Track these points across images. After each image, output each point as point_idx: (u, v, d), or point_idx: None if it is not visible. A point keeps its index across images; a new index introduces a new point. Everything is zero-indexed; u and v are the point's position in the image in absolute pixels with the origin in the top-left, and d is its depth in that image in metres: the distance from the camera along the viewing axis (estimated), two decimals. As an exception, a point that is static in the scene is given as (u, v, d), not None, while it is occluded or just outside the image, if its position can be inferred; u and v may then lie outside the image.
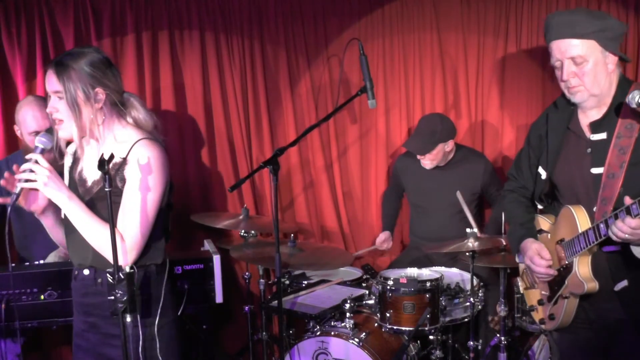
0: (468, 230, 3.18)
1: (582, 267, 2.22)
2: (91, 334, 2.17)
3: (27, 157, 1.98)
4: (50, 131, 2.10)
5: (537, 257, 2.37)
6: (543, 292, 2.48)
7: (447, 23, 3.99)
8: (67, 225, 2.14)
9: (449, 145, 3.67)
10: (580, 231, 2.19)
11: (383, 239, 3.97)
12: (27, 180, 1.95)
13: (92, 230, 2.03)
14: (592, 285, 2.21)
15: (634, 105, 2.06)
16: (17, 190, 1.96)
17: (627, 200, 1.99)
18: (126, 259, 2.04)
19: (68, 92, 2.03)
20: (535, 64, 3.84)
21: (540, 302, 2.51)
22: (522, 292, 2.72)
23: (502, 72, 3.95)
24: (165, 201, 2.15)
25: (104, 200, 2.05)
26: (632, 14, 3.62)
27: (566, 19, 2.20)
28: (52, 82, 2.06)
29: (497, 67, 3.96)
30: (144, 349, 2.08)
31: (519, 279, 2.72)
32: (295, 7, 4.01)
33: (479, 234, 3.27)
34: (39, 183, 1.95)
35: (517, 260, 2.58)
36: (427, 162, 3.68)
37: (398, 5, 4.03)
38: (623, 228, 1.98)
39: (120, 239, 2.03)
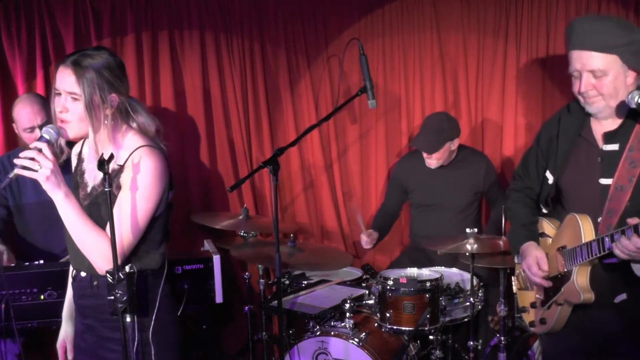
0: (468, 230, 3.18)
1: (581, 277, 2.21)
2: (88, 336, 2.16)
3: (32, 145, 1.91)
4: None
5: (535, 266, 2.37)
6: (537, 296, 2.47)
7: (447, 23, 3.99)
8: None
9: (455, 144, 3.68)
10: (583, 241, 2.17)
11: (372, 236, 3.76)
12: (24, 168, 1.87)
13: (82, 232, 1.99)
14: (589, 296, 2.20)
15: (633, 105, 2.05)
16: (11, 175, 1.88)
17: (634, 220, 1.96)
18: (108, 265, 1.99)
19: (87, 96, 1.98)
20: (535, 64, 3.84)
21: (532, 305, 2.50)
22: (515, 291, 2.71)
23: (502, 72, 3.95)
24: (161, 209, 2.12)
25: (101, 206, 2.04)
26: (632, 14, 3.62)
27: (592, 28, 2.12)
28: (68, 82, 2.00)
29: (497, 67, 3.96)
30: (140, 354, 2.07)
31: (513, 279, 2.72)
32: (295, 7, 4.01)
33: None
34: (40, 175, 1.88)
35: (515, 260, 2.57)
36: (434, 161, 3.68)
37: (398, 5, 4.03)
38: (629, 246, 1.96)
39: (108, 246, 1.98)
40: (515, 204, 2.58)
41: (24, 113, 3.14)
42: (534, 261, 2.37)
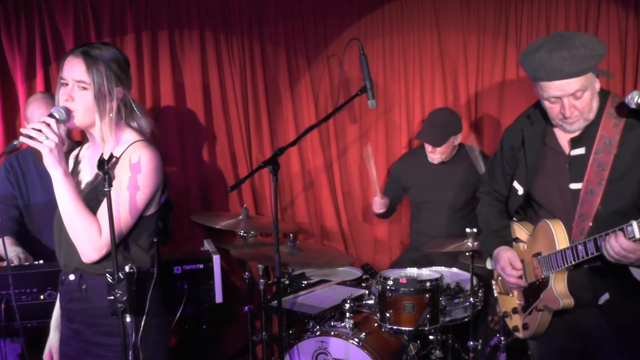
0: (468, 230, 3.18)
1: (558, 284, 2.23)
2: (75, 341, 2.14)
3: (41, 119, 1.93)
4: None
5: (508, 267, 2.39)
6: (518, 302, 2.49)
7: (447, 23, 3.99)
8: (57, 223, 2.11)
9: (458, 139, 3.71)
10: (558, 248, 2.20)
11: (386, 201, 3.78)
12: (30, 138, 1.89)
13: (73, 214, 1.99)
14: (568, 301, 2.23)
15: (633, 106, 2.06)
16: (15, 142, 1.91)
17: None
18: (99, 254, 2.01)
19: (96, 86, 2.01)
20: (535, 63, 3.83)
21: (514, 310, 2.52)
22: (496, 295, 2.73)
23: (502, 72, 3.95)
24: (152, 209, 2.12)
25: (91, 201, 2.05)
26: (632, 14, 3.62)
27: (563, 58, 2.09)
28: (78, 71, 2.02)
29: (496, 66, 3.96)
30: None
31: (493, 283, 2.73)
32: (295, 7, 4.01)
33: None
34: (44, 146, 1.89)
35: (488, 266, 2.59)
36: (437, 155, 3.69)
37: (398, 5, 4.03)
38: (615, 247, 1.97)
39: (98, 233, 2.00)
40: (485, 208, 2.62)
41: (38, 113, 3.11)
42: (507, 262, 2.40)
